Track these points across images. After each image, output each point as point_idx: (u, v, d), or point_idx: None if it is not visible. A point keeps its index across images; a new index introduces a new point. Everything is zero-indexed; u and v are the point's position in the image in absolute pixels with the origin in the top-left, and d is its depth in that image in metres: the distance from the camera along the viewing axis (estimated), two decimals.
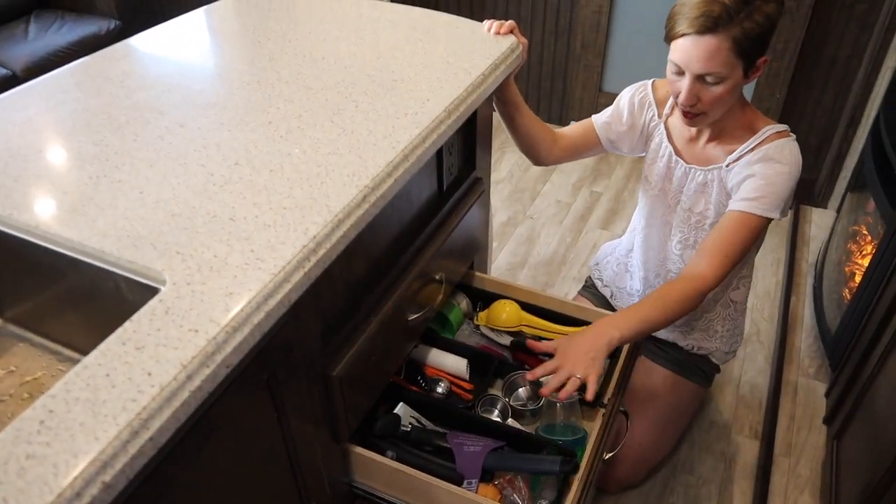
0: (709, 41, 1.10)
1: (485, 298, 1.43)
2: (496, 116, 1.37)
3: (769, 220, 1.22)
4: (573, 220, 2.46)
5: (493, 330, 1.37)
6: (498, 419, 1.24)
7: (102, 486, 0.55)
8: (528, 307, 1.38)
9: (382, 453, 1.09)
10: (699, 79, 1.15)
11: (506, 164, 2.75)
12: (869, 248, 1.77)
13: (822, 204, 2.48)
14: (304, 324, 0.84)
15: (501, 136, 2.72)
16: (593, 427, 1.16)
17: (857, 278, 1.74)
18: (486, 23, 1.27)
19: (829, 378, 1.81)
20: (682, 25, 1.12)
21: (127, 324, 0.67)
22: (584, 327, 1.21)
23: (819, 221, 2.42)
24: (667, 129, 1.36)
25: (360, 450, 1.08)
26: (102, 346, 0.65)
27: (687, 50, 1.13)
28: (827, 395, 1.77)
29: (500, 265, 2.26)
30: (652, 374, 1.54)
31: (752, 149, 1.23)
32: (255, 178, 0.88)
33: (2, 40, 2.81)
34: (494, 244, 2.32)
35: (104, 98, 1.06)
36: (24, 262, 0.84)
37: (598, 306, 1.60)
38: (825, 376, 1.85)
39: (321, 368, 0.93)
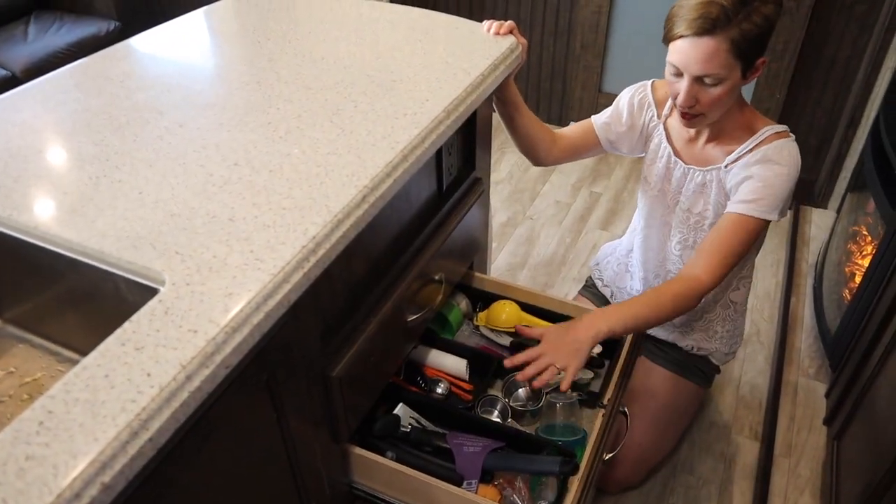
0: (707, 43, 1.10)
1: (484, 299, 1.43)
2: (496, 117, 1.37)
3: (768, 222, 1.22)
4: (573, 221, 2.46)
5: (492, 330, 1.37)
6: (498, 420, 1.24)
7: (102, 487, 0.55)
8: (527, 308, 1.38)
9: (382, 454, 1.09)
10: (697, 80, 1.15)
11: (505, 164, 2.75)
12: (869, 249, 1.77)
13: (822, 204, 2.48)
14: (304, 324, 0.84)
15: (501, 137, 2.72)
16: (593, 427, 1.16)
17: (858, 279, 1.74)
18: (486, 23, 1.27)
19: (829, 378, 1.81)
20: (680, 27, 1.12)
21: (126, 324, 0.67)
22: (575, 318, 1.22)
23: (819, 222, 2.42)
24: (666, 129, 1.36)
25: (359, 450, 1.08)
26: (101, 347, 0.65)
27: (685, 52, 1.13)
28: (827, 395, 1.77)
29: (500, 266, 2.26)
30: (652, 375, 1.54)
31: (751, 149, 1.23)
32: (255, 178, 0.88)
33: (1, 41, 2.81)
34: (494, 244, 2.32)
35: (104, 98, 1.06)
36: (24, 262, 0.84)
37: (599, 306, 1.60)
38: (825, 377, 1.85)
39: (321, 369, 0.93)
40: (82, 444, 0.56)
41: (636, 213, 1.55)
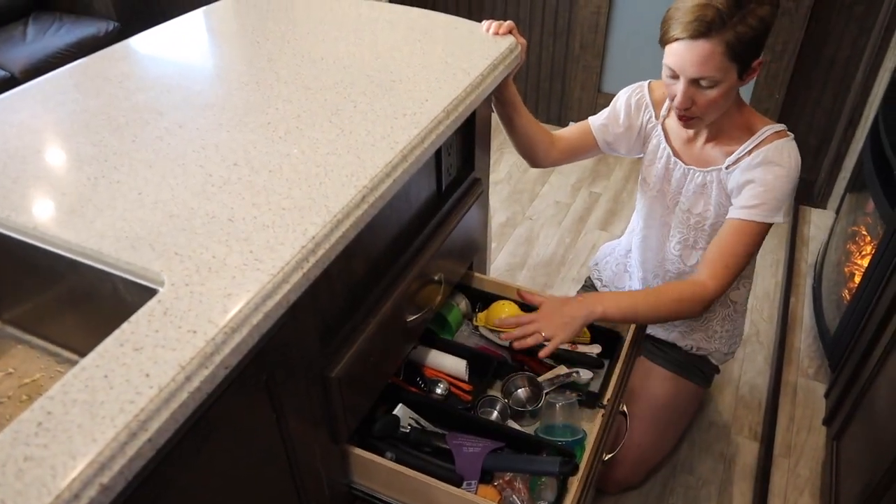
0: (702, 46, 1.10)
1: (484, 299, 1.43)
2: (495, 117, 1.37)
3: (771, 225, 1.23)
4: (572, 221, 2.46)
5: (492, 331, 1.37)
6: (497, 420, 1.23)
7: (100, 488, 0.55)
8: (527, 308, 1.38)
9: (381, 454, 1.09)
10: (693, 82, 1.15)
11: (505, 164, 2.75)
12: (868, 249, 1.77)
13: (822, 204, 2.48)
14: (303, 325, 0.84)
15: (500, 137, 2.72)
16: (592, 428, 1.16)
17: (857, 279, 1.74)
18: (485, 23, 1.27)
19: (829, 379, 1.81)
20: (675, 30, 1.12)
21: (125, 325, 0.67)
22: (577, 295, 1.25)
23: (818, 222, 2.43)
24: (664, 130, 1.36)
25: (359, 451, 1.08)
26: (100, 348, 0.65)
27: (681, 54, 1.13)
28: (826, 395, 1.77)
29: (499, 266, 2.26)
30: (651, 375, 1.54)
31: (751, 150, 1.23)
32: (254, 178, 0.88)
33: (0, 42, 2.81)
34: (493, 245, 2.32)
35: (103, 99, 1.06)
36: (23, 263, 0.84)
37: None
38: (825, 377, 1.85)
39: (320, 369, 0.93)
40: (81, 445, 0.56)
41: (635, 213, 1.56)
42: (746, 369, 1.89)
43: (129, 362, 0.63)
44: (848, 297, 1.77)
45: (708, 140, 1.30)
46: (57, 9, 3.09)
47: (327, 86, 1.09)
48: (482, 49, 1.20)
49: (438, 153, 1.15)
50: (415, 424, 1.18)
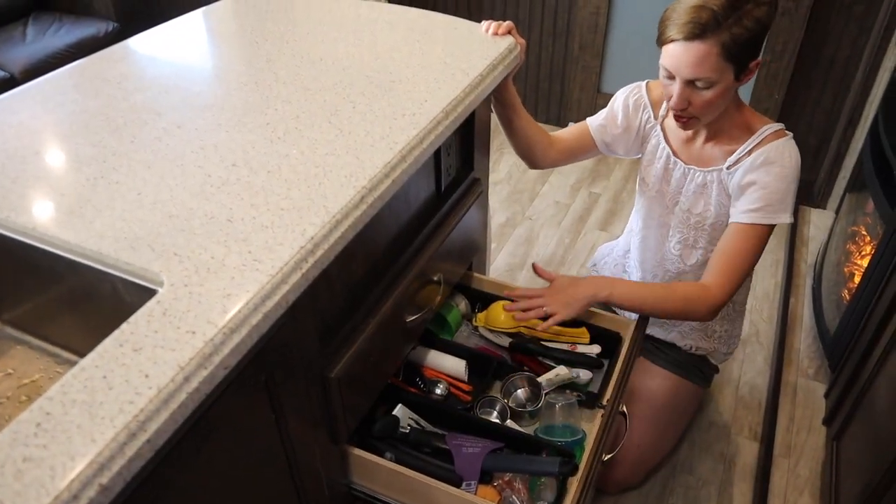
0: (697, 47, 1.10)
1: (483, 299, 1.43)
2: (494, 117, 1.37)
3: (774, 226, 1.23)
4: (572, 222, 2.46)
5: (491, 331, 1.37)
6: (497, 420, 1.23)
7: (99, 489, 0.55)
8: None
9: (381, 455, 1.09)
10: (689, 83, 1.15)
11: (504, 165, 2.75)
12: (868, 249, 1.77)
13: (821, 204, 2.48)
14: (302, 325, 0.84)
15: (500, 138, 2.71)
16: (592, 428, 1.16)
17: (857, 279, 1.74)
18: (484, 23, 1.27)
19: (829, 379, 1.81)
20: (671, 31, 1.12)
21: (124, 325, 0.67)
22: (587, 276, 1.33)
23: (818, 222, 2.43)
24: (663, 130, 1.36)
25: (358, 451, 1.08)
26: (100, 348, 0.65)
27: (676, 55, 1.13)
28: (826, 395, 1.77)
29: (499, 266, 2.26)
30: (651, 375, 1.54)
31: (752, 150, 1.23)
32: (253, 179, 0.88)
33: (0, 42, 2.80)
34: (493, 245, 2.32)
35: (102, 100, 1.06)
36: (22, 264, 0.84)
37: (596, 306, 1.59)
38: (824, 377, 1.85)
39: (319, 370, 0.93)
40: (80, 445, 0.56)
41: (633, 213, 1.56)
42: (746, 369, 1.89)
43: (129, 363, 0.63)
44: (848, 297, 1.77)
45: (707, 139, 1.30)
46: (57, 9, 3.09)
47: (326, 86, 1.09)
48: (481, 49, 1.20)
49: (438, 153, 1.15)
50: (414, 425, 1.18)
